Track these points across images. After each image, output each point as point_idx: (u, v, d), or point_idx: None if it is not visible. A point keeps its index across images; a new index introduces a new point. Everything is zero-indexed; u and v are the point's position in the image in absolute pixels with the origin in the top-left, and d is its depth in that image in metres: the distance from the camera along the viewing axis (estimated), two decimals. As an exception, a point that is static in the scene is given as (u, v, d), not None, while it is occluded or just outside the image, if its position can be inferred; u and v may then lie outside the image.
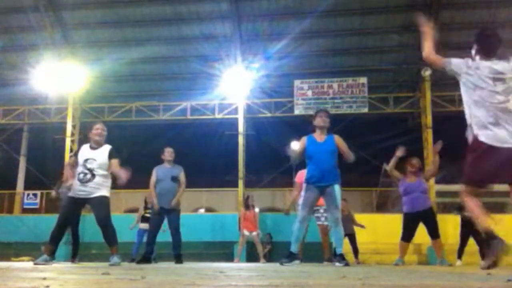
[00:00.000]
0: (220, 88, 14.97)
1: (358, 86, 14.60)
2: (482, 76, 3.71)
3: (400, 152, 6.94)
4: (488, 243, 3.53)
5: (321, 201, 5.95)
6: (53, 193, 8.64)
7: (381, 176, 20.21)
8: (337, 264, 5.60)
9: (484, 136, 3.56)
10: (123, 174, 5.37)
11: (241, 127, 15.04)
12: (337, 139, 5.67)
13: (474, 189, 3.71)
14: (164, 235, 7.89)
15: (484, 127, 3.59)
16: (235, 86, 14.62)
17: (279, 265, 5.42)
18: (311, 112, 14.73)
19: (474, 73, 3.72)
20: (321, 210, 7.63)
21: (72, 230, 7.66)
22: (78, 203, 5.53)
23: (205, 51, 14.69)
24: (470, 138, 3.69)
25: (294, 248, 5.63)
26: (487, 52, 3.80)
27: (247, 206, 10.65)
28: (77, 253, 8.39)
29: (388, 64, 14.67)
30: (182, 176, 7.37)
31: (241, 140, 14.88)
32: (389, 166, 7.13)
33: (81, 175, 5.46)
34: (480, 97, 3.67)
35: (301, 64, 14.91)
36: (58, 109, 16.14)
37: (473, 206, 3.68)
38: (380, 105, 14.98)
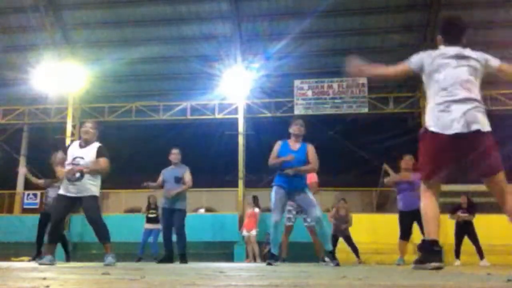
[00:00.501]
0: (220, 88, 14.98)
1: (358, 86, 14.61)
2: (446, 58, 3.61)
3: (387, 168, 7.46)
4: (425, 254, 3.46)
5: None
6: (41, 181, 8.58)
7: (381, 176, 20.19)
8: (326, 259, 5.82)
9: (433, 123, 3.48)
10: (99, 165, 5.41)
11: (241, 127, 15.04)
12: (309, 148, 5.80)
13: (430, 182, 3.58)
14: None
15: (434, 113, 3.50)
16: (235, 86, 14.63)
17: (266, 265, 5.56)
18: (311, 112, 14.77)
19: (438, 59, 3.62)
20: None
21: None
22: (69, 202, 5.52)
23: (205, 51, 14.69)
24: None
25: (274, 250, 5.83)
26: (453, 40, 3.71)
27: (257, 205, 10.86)
28: (69, 253, 8.42)
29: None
30: (187, 176, 7.49)
31: (241, 140, 14.89)
32: (387, 181, 7.37)
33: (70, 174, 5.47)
34: (443, 78, 3.55)
35: (301, 64, 14.91)
36: (58, 109, 16.14)
37: (429, 211, 3.54)
38: (380, 105, 14.99)
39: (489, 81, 15.66)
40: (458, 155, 3.43)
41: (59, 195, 5.58)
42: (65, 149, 5.81)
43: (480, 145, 3.36)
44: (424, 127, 3.55)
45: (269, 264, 5.57)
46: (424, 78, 3.71)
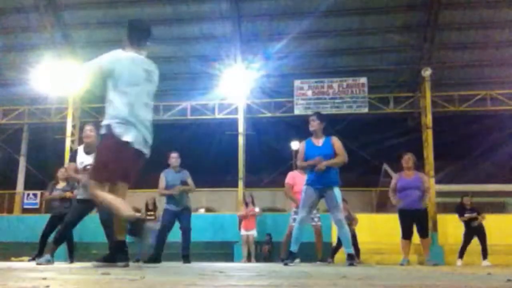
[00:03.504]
0: (220, 88, 14.97)
1: (358, 86, 14.60)
2: (138, 72, 3.61)
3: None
4: (118, 253, 3.71)
5: None
6: (47, 193, 8.60)
7: (381, 176, 20.21)
8: (348, 263, 5.80)
9: (127, 136, 3.57)
10: None
11: (241, 127, 15.03)
12: (334, 141, 5.79)
13: (105, 185, 3.70)
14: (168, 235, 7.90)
15: (126, 126, 3.57)
16: (235, 86, 14.61)
17: (283, 265, 5.50)
18: (311, 112, 14.74)
19: (129, 65, 3.59)
20: (314, 211, 7.65)
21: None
22: (86, 205, 5.52)
23: (205, 51, 14.68)
24: (106, 134, 3.62)
25: (294, 247, 5.80)
26: (140, 45, 3.69)
27: (247, 203, 10.76)
28: (73, 254, 8.38)
29: (388, 64, 14.66)
30: (190, 181, 7.68)
31: (241, 140, 14.88)
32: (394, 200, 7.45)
33: (84, 179, 5.47)
34: (131, 94, 3.57)
35: (301, 64, 14.90)
36: (58, 109, 16.13)
37: (109, 198, 3.63)
38: (380, 105, 14.97)
39: (489, 81, 15.67)
40: (133, 165, 3.75)
41: (78, 200, 5.62)
42: (73, 157, 5.82)
43: (140, 164, 3.82)
44: (113, 132, 3.57)
45: (285, 264, 5.55)
46: (109, 79, 3.71)
